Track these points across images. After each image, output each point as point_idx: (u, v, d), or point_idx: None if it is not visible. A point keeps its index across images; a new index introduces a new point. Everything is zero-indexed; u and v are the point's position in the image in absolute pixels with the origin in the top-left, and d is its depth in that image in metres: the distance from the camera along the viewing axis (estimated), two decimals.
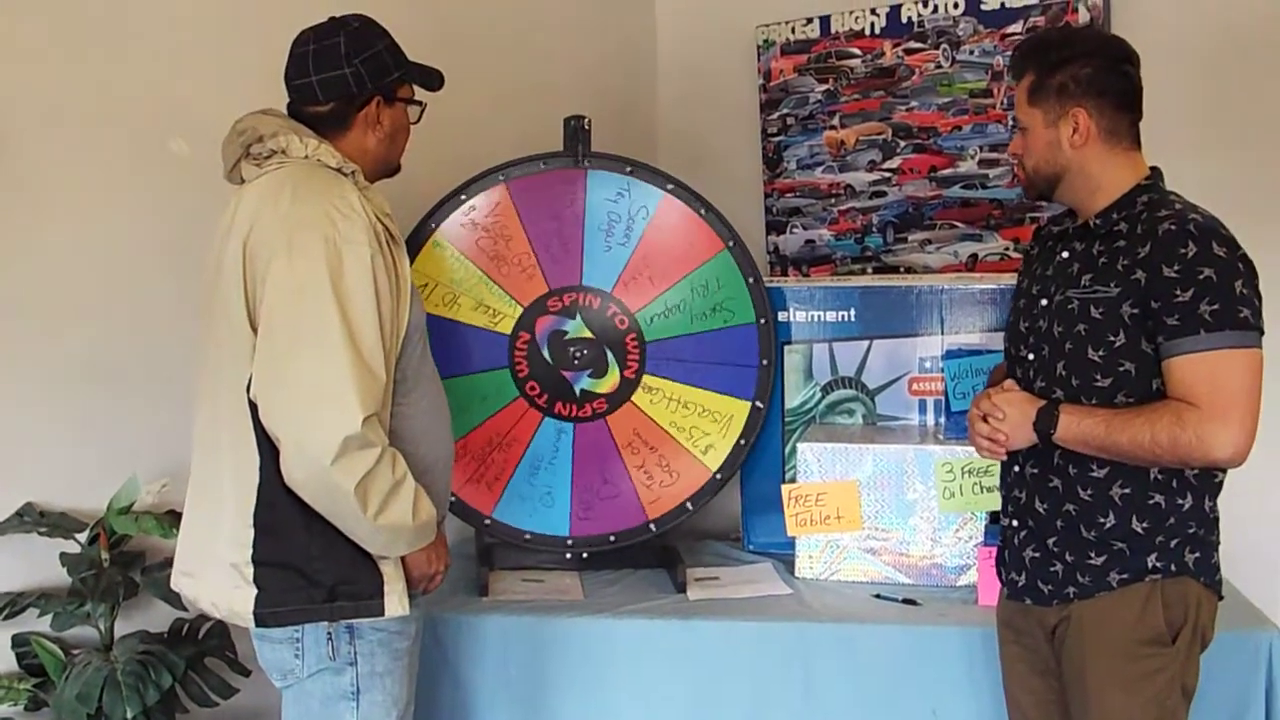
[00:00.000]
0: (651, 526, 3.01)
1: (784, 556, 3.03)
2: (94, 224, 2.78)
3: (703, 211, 2.99)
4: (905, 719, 2.64)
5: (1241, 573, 2.78)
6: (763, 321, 3.01)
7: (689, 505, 3.01)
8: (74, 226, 2.76)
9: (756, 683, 2.67)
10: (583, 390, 3.01)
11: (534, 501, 2.99)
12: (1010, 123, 3.38)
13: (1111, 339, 2.09)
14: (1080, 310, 2.13)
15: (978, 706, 2.59)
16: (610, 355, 3.00)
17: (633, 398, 3.01)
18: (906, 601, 2.79)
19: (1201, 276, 2.00)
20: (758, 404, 3.02)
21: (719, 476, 3.02)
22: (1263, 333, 2.04)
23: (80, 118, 2.75)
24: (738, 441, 3.02)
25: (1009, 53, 3.35)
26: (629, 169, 2.98)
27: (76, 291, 2.77)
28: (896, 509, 2.89)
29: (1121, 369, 2.10)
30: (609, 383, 3.01)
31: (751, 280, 3.01)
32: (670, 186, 2.99)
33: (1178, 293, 2.01)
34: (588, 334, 2.99)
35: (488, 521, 2.99)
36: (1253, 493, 2.58)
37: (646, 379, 3.01)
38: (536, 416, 2.99)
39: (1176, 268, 2.01)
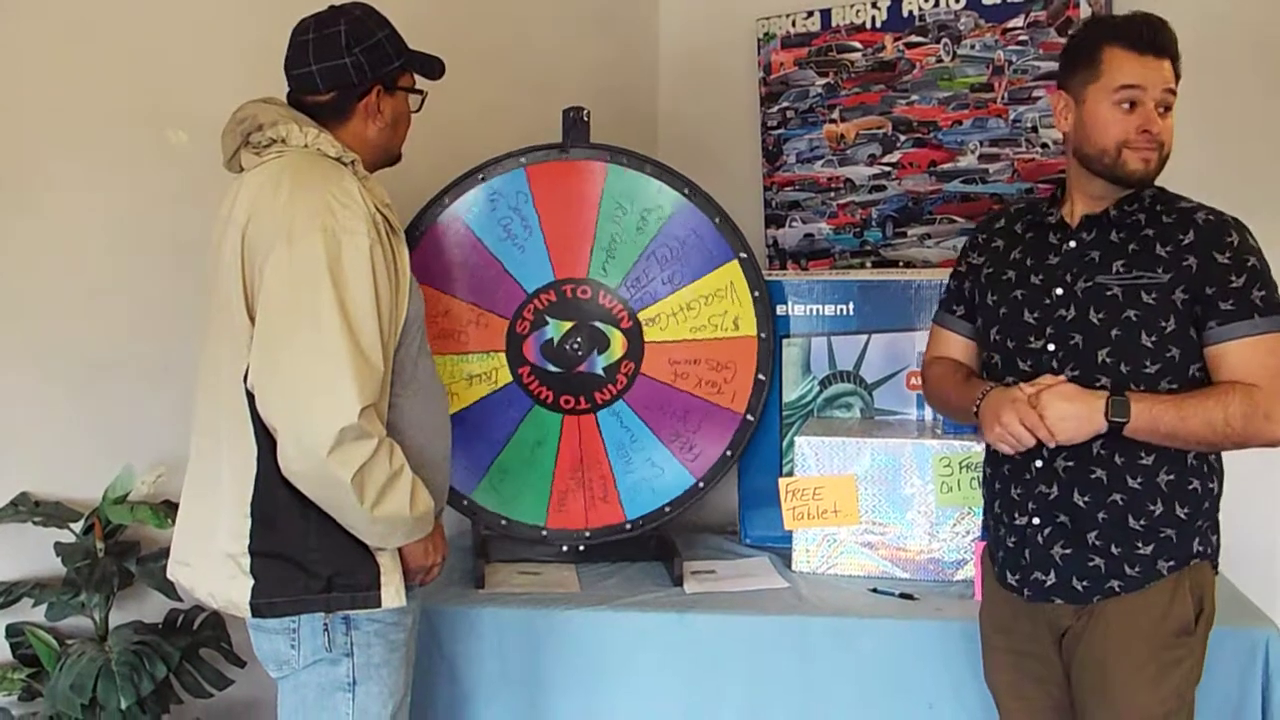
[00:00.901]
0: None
1: (781, 550, 3.03)
2: (90, 213, 2.77)
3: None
4: (902, 713, 2.64)
5: (1239, 570, 2.78)
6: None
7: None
8: (70, 216, 2.74)
9: (753, 676, 2.67)
10: (605, 368, 3.01)
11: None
12: (1012, 117, 3.38)
13: (1163, 324, 2.12)
14: (1126, 296, 2.14)
15: (974, 701, 2.58)
16: (601, 326, 3.00)
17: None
18: (903, 596, 2.79)
19: (1249, 264, 2.10)
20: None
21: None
22: None
23: (75, 107, 2.73)
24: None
25: (1009, 47, 3.35)
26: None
27: (72, 282, 2.76)
28: (894, 503, 2.89)
29: (1169, 354, 2.12)
30: (619, 346, 3.00)
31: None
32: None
33: (1232, 279, 2.09)
34: (567, 323, 2.99)
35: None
36: (1251, 489, 2.59)
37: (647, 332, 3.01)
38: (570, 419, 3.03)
39: (1227, 255, 2.10)
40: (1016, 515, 2.26)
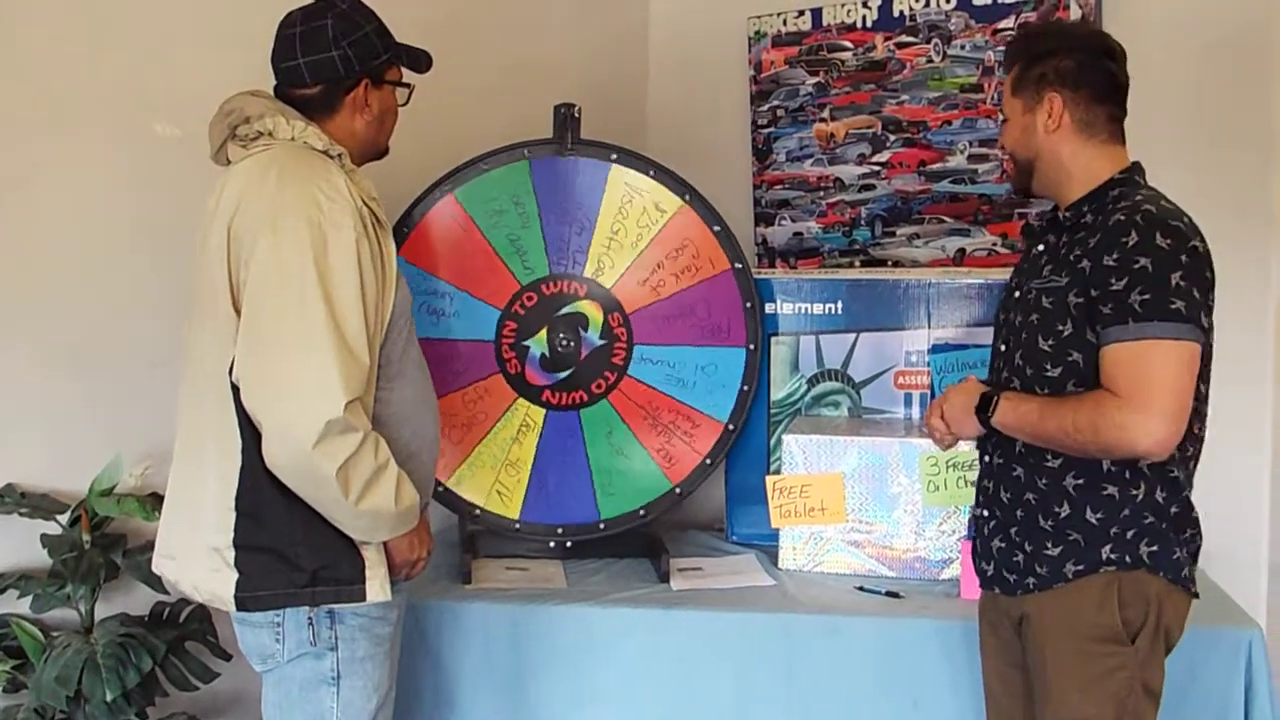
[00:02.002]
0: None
1: (767, 548, 3.03)
2: (78, 206, 2.76)
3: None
4: (887, 711, 2.64)
5: (1222, 570, 2.79)
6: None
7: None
8: (58, 209, 2.74)
9: (738, 673, 2.68)
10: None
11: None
12: (1000, 117, 3.38)
13: (1060, 328, 2.10)
14: (1035, 301, 2.16)
15: (959, 699, 2.59)
16: (568, 310, 3.00)
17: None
18: (889, 594, 2.80)
19: (1136, 266, 2.00)
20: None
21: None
22: (1199, 326, 2.01)
23: (63, 101, 2.73)
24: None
25: (1000, 48, 3.36)
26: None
27: (60, 274, 2.75)
28: (880, 502, 2.89)
29: (1070, 359, 2.10)
30: (595, 312, 3.00)
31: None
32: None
33: (1113, 281, 2.01)
34: (541, 330, 3.00)
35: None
36: (1232, 489, 2.61)
37: (539, 412, 3.01)
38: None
39: (1115, 256, 2.02)
40: (976, 506, 2.37)
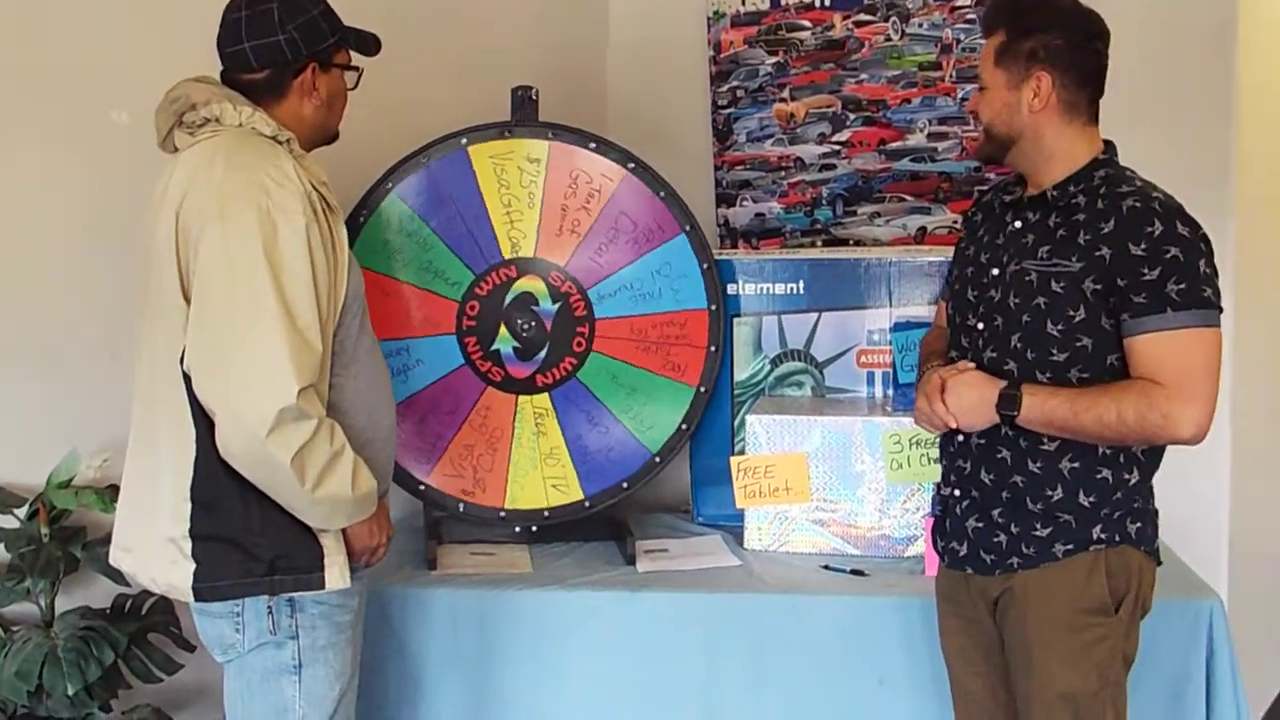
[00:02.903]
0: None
1: (733, 529, 3.03)
2: (33, 196, 2.73)
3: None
4: (853, 688, 2.66)
5: (1183, 541, 2.81)
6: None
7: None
8: (15, 200, 2.71)
9: (706, 654, 2.68)
10: (495, 350, 2.99)
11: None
12: (960, 95, 3.39)
13: (1071, 314, 2.10)
14: (1039, 283, 2.13)
15: (923, 675, 2.60)
16: (544, 354, 3.00)
17: (520, 397, 3.01)
18: (854, 572, 2.81)
19: (1168, 255, 2.01)
20: (701, 389, 3.02)
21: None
22: (1222, 311, 2.05)
23: (15, 90, 2.69)
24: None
25: (957, 26, 3.36)
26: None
27: (15, 265, 2.72)
28: (844, 481, 2.90)
29: (1079, 344, 2.10)
30: (539, 286, 2.99)
31: (705, 266, 3.00)
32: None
33: (1145, 271, 2.02)
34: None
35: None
36: (1197, 464, 2.62)
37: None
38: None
39: (1144, 246, 2.02)
40: (943, 486, 2.34)
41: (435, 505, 3.01)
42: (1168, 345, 2.02)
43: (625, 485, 3.02)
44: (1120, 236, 2.05)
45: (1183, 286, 2.00)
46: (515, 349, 2.99)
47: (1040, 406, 2.10)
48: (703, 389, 3.02)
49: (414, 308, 2.96)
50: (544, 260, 2.99)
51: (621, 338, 3.01)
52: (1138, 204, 2.06)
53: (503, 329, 2.99)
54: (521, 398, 3.00)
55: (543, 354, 3.00)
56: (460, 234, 2.95)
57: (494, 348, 2.99)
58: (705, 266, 3.00)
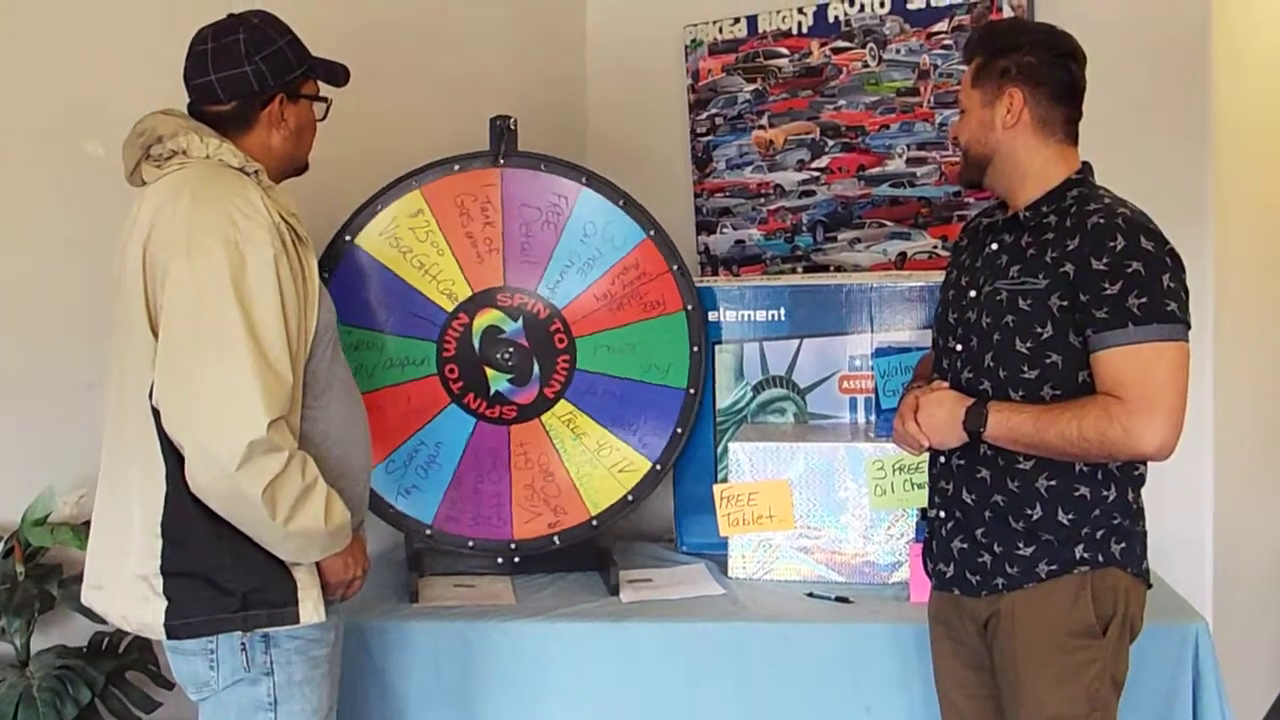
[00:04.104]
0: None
1: (717, 557, 3.02)
2: (6, 228, 2.71)
3: (674, 268, 2.99)
4: (839, 717, 2.64)
5: (1169, 565, 2.80)
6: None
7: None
8: None
9: (691, 684, 2.66)
10: (496, 392, 2.98)
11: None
12: (939, 121, 3.40)
13: (1039, 331, 2.10)
14: (1008, 302, 2.14)
15: (911, 703, 2.59)
16: (536, 368, 2.98)
17: (542, 416, 2.99)
18: (839, 599, 2.79)
19: (1130, 270, 2.01)
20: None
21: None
22: (1189, 326, 2.04)
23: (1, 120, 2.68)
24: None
25: (935, 51, 3.38)
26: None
27: None
28: (828, 507, 2.89)
29: (1048, 361, 2.10)
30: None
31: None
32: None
33: (1106, 285, 2.02)
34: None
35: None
36: (1180, 485, 2.62)
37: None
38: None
39: (1105, 260, 2.02)
40: (930, 508, 2.34)
41: (528, 552, 3.00)
42: (1128, 359, 2.01)
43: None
44: (1083, 252, 2.05)
45: (1144, 300, 2.00)
46: (510, 380, 2.98)
47: (1005, 423, 2.10)
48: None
49: (406, 402, 2.95)
50: (483, 291, 2.96)
51: (592, 310, 2.99)
52: (1102, 220, 2.06)
53: (488, 370, 2.98)
54: (544, 417, 2.99)
55: (536, 369, 2.99)
56: (400, 317, 2.94)
57: (493, 391, 2.98)
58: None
